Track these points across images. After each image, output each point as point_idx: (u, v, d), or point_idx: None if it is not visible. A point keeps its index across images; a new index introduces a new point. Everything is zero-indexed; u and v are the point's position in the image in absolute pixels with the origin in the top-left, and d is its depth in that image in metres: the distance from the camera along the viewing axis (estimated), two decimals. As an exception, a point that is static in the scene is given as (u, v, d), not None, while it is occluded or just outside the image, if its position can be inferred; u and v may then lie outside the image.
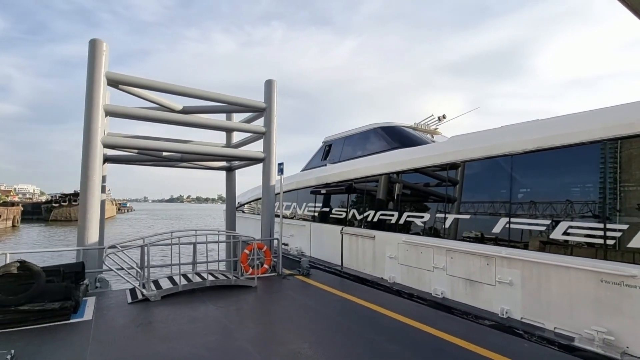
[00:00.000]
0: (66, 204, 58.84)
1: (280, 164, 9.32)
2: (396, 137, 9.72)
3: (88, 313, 5.57)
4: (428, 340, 4.70)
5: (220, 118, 11.00)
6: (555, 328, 4.98)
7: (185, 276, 7.40)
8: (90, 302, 6.10)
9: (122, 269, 6.65)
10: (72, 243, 26.66)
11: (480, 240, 6.29)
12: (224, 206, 15.97)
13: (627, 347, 4.28)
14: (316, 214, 11.47)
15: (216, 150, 9.41)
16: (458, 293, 6.47)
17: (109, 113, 7.57)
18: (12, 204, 56.06)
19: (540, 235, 5.43)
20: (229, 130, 11.60)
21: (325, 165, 11.91)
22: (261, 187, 9.84)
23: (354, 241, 9.36)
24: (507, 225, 5.85)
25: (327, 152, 12.42)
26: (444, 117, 10.95)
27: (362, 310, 6.03)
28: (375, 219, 8.86)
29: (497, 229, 6.01)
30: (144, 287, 6.53)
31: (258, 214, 15.77)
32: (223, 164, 12.07)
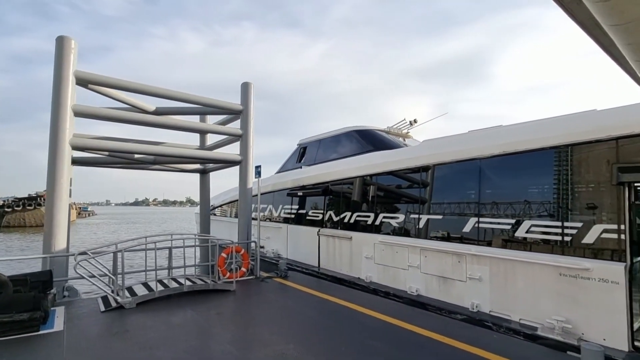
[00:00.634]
0: (20, 208, 54.57)
1: (258, 167, 9.32)
2: (370, 140, 10.01)
3: (58, 323, 5.31)
4: (407, 337, 4.93)
5: (193, 120, 10.79)
6: (520, 319, 5.38)
7: (161, 282, 7.22)
8: (59, 312, 5.81)
9: (94, 276, 6.39)
10: (30, 250, 24.88)
11: (452, 239, 6.66)
12: (192, 209, 15.60)
13: (583, 334, 4.73)
14: (293, 216, 11.53)
15: (192, 153, 9.23)
16: (432, 290, 6.80)
17: (78, 114, 7.24)
18: (-44, 209, 51.33)
19: (506, 233, 5.86)
20: (204, 132, 11.41)
21: (301, 167, 12.00)
22: (235, 189, 9.79)
23: (331, 242, 9.53)
24: (477, 225, 6.25)
25: (302, 155, 12.53)
26: (415, 121, 11.42)
27: (341, 309, 6.19)
28: (351, 221, 9.07)
29: (467, 228, 6.39)
30: (117, 294, 6.31)
31: (231, 217, 15.57)
32: (197, 166, 11.83)
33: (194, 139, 11.94)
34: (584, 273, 4.76)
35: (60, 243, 6.79)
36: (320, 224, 10.18)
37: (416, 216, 7.43)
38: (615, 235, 4.63)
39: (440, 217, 7.01)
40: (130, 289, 6.84)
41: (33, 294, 5.25)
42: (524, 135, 5.85)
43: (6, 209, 55.38)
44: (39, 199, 53.70)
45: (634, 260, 4.61)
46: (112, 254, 6.82)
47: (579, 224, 5.00)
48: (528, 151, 5.71)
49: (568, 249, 5.05)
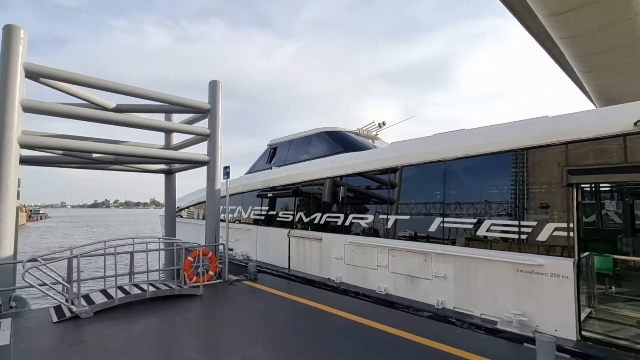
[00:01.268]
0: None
1: (227, 167, 9.11)
2: (340, 141, 10.12)
3: (4, 337, 4.82)
4: (377, 335, 5.01)
5: (158, 118, 10.35)
6: (482, 314, 5.65)
7: (121, 288, 6.84)
8: (5, 325, 5.28)
9: (45, 284, 5.92)
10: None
11: (419, 238, 6.87)
12: (157, 211, 14.95)
13: (537, 326, 5.05)
14: (262, 218, 11.38)
15: (156, 153, 8.83)
16: (400, 289, 6.97)
17: (27, 109, 6.69)
18: None
19: (468, 232, 6.13)
20: (169, 132, 10.96)
21: (271, 168, 11.88)
22: (202, 190, 9.49)
23: (301, 243, 9.50)
24: (442, 225, 6.49)
25: (272, 155, 12.42)
26: (383, 123, 11.69)
27: (312, 311, 6.18)
28: (321, 221, 9.10)
29: (432, 228, 6.62)
30: (72, 303, 5.90)
31: (199, 219, 15.09)
32: (162, 166, 11.34)
33: (159, 138, 11.45)
34: (538, 269, 5.08)
35: (6, 249, 6.24)
36: (290, 225, 10.12)
37: (385, 216, 7.60)
38: (565, 233, 5.00)
39: (407, 217, 7.21)
40: (87, 297, 6.42)
41: (-26, 306, 4.77)
42: (484, 139, 6.16)
43: (-58, 213, 50.06)
44: (-19, 201, 49.14)
45: (581, 256, 4.99)
46: (66, 261, 6.37)
47: (534, 223, 5.34)
48: (488, 154, 6.02)
49: (524, 247, 5.38)
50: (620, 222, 8.70)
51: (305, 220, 9.65)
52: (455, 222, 6.32)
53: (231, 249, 11.83)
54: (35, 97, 6.84)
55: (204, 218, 9.85)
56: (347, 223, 8.43)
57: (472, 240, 6.05)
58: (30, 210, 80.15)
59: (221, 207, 10.02)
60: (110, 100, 8.98)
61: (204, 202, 10.06)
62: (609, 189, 9.09)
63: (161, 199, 12.38)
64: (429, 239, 6.66)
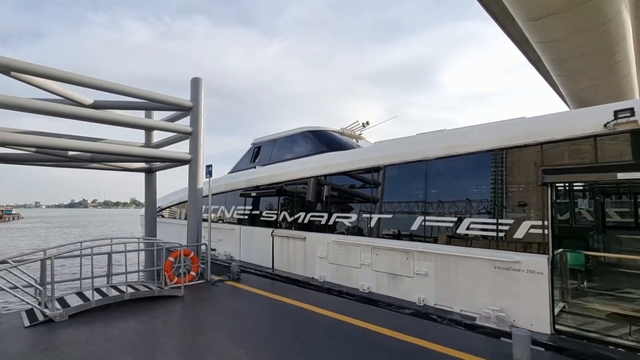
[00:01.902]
0: None
1: (209, 166, 8.99)
2: (324, 140, 10.13)
3: (-29, 343, 4.65)
4: (359, 333, 5.05)
5: (138, 115, 10.08)
6: (461, 310, 5.78)
7: (99, 291, 6.65)
8: (-28, 331, 5.09)
9: (16, 287, 5.68)
10: None
11: (401, 237, 6.96)
12: (137, 211, 14.60)
13: (514, 321, 5.20)
14: (246, 217, 11.27)
15: (136, 151, 8.59)
16: (382, 287, 7.04)
17: (-2, 104, 6.39)
18: None
19: (449, 231, 6.26)
20: (150, 129, 10.69)
21: (255, 167, 11.79)
22: (185, 190, 9.32)
23: (285, 243, 9.47)
24: (423, 223, 6.60)
25: (256, 154, 12.32)
26: (367, 123, 11.78)
27: (295, 310, 6.17)
28: (305, 221, 9.09)
29: (414, 226, 6.72)
30: (45, 306, 5.69)
31: (181, 219, 14.81)
32: (142, 165, 11.06)
33: (139, 136, 11.16)
34: (515, 265, 5.24)
35: (-26, 251, 5.94)
36: (274, 224, 10.07)
37: (368, 215, 7.66)
38: (540, 231, 5.17)
39: (390, 216, 7.29)
40: (61, 300, 6.20)
41: (-63, 312, 4.53)
42: (463, 139, 6.30)
43: None
44: (-53, 201, 46.80)
45: (555, 253, 5.18)
46: (39, 263, 6.12)
47: (511, 221, 5.50)
48: (467, 154, 6.16)
49: (502, 244, 5.54)
50: (592, 220, 9.07)
51: (289, 219, 9.62)
52: (436, 221, 6.44)
53: (214, 249, 11.68)
54: (7, 92, 6.55)
55: (186, 218, 9.68)
56: (330, 222, 8.46)
57: (452, 238, 6.18)
58: (2, 211, 76.73)
59: (204, 206, 9.87)
60: (88, 96, 8.69)
61: (186, 201, 9.89)
62: (581, 188, 9.46)
63: (142, 198, 12.06)
64: (411, 237, 6.76)
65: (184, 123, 9.49)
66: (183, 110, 9.39)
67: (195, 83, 9.30)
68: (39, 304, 5.80)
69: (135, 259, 8.08)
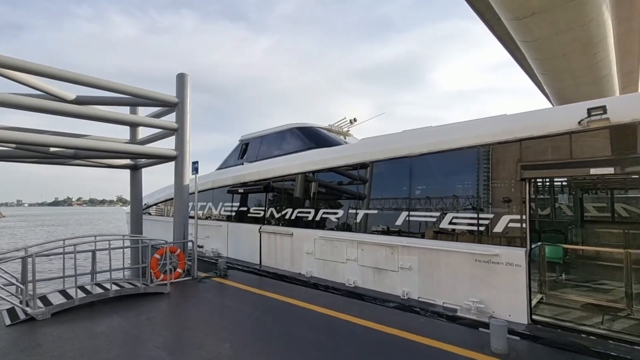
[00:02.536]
0: None
1: (195, 163, 8.93)
2: (312, 137, 10.17)
3: (-51, 343, 4.57)
4: (343, 326, 5.14)
5: (123, 111, 9.94)
6: (443, 303, 5.93)
7: (82, 288, 6.58)
8: (-50, 330, 4.99)
9: (-3, 286, 5.59)
10: None
11: (386, 232, 7.07)
12: (124, 209, 14.43)
13: (493, 312, 5.36)
14: (233, 214, 11.26)
15: (121, 147, 8.48)
16: (368, 281, 7.15)
17: (-25, 99, 6.24)
18: None
19: (432, 225, 6.39)
20: (135, 125, 10.56)
21: (242, 164, 11.76)
22: (171, 187, 9.26)
23: (273, 239, 9.50)
24: (407, 218, 6.71)
25: (244, 151, 12.28)
26: (355, 120, 11.86)
27: (281, 305, 6.23)
28: (293, 217, 9.14)
29: (399, 221, 6.84)
30: (27, 305, 5.61)
31: (168, 216, 14.68)
32: (127, 161, 10.92)
33: (124, 132, 11.00)
34: (494, 258, 5.39)
35: (-49, 250, 5.81)
36: (261, 221, 10.09)
37: (354, 211, 7.75)
38: (518, 225, 5.33)
39: (376, 211, 7.39)
40: (44, 299, 6.12)
41: None
42: (446, 135, 6.42)
43: None
44: None
45: (533, 246, 5.35)
46: (20, 261, 6.02)
47: (491, 215, 5.65)
48: (450, 150, 6.28)
49: (482, 238, 5.69)
50: (571, 214, 9.36)
51: (277, 215, 9.65)
52: (419, 216, 6.57)
53: (201, 246, 11.63)
54: (-16, 86, 6.39)
55: (173, 215, 9.62)
56: (317, 218, 8.52)
57: (435, 232, 6.31)
58: (-18, 209, 74.45)
59: (190, 203, 9.83)
60: (71, 92, 8.53)
61: (173, 198, 9.83)
62: (562, 184, 9.74)
63: (128, 196, 11.92)
64: (396, 232, 6.87)
65: (170, 119, 9.41)
66: (168, 106, 9.30)
67: (181, 79, 9.21)
68: (20, 302, 5.72)
69: (121, 257, 8.00)
